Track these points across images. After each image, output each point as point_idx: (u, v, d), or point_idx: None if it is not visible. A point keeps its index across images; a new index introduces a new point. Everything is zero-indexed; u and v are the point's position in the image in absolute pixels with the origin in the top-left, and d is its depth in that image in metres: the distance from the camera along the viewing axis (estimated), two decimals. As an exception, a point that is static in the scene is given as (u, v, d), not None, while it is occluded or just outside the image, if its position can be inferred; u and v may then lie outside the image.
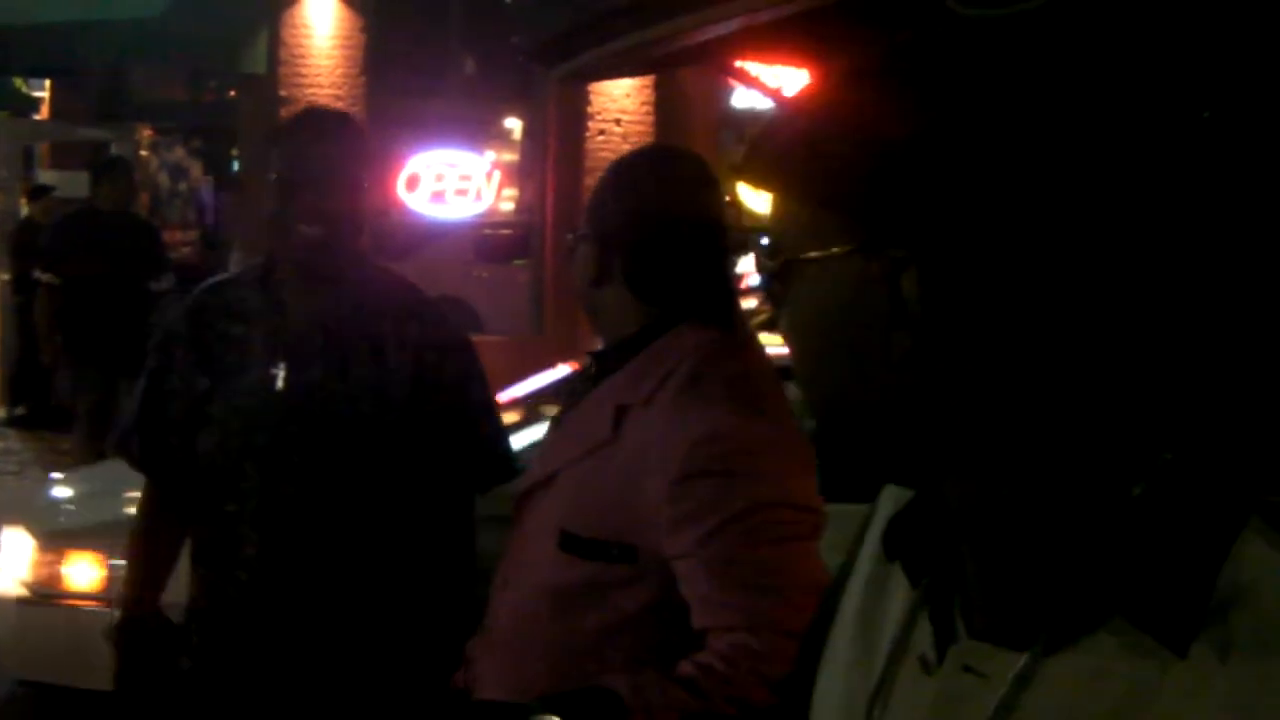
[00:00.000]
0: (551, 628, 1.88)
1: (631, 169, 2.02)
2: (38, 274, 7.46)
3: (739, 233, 8.85)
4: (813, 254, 0.80)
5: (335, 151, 2.40)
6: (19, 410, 9.79)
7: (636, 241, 1.92)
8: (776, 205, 0.85)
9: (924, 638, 0.85)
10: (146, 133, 13.05)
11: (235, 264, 7.58)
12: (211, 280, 2.63)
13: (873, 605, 0.92)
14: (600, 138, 11.51)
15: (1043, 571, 0.77)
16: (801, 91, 0.85)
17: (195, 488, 2.47)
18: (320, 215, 2.35)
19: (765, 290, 0.86)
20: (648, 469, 1.81)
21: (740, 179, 0.87)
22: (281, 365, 2.42)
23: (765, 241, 0.86)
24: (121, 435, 2.61)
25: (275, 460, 2.40)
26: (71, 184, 11.68)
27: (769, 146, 0.84)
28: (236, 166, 11.85)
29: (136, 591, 2.58)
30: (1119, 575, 0.74)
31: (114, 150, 12.03)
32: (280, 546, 2.41)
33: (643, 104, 11.73)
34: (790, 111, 0.84)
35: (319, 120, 2.59)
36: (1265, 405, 0.75)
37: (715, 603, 1.76)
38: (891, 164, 0.76)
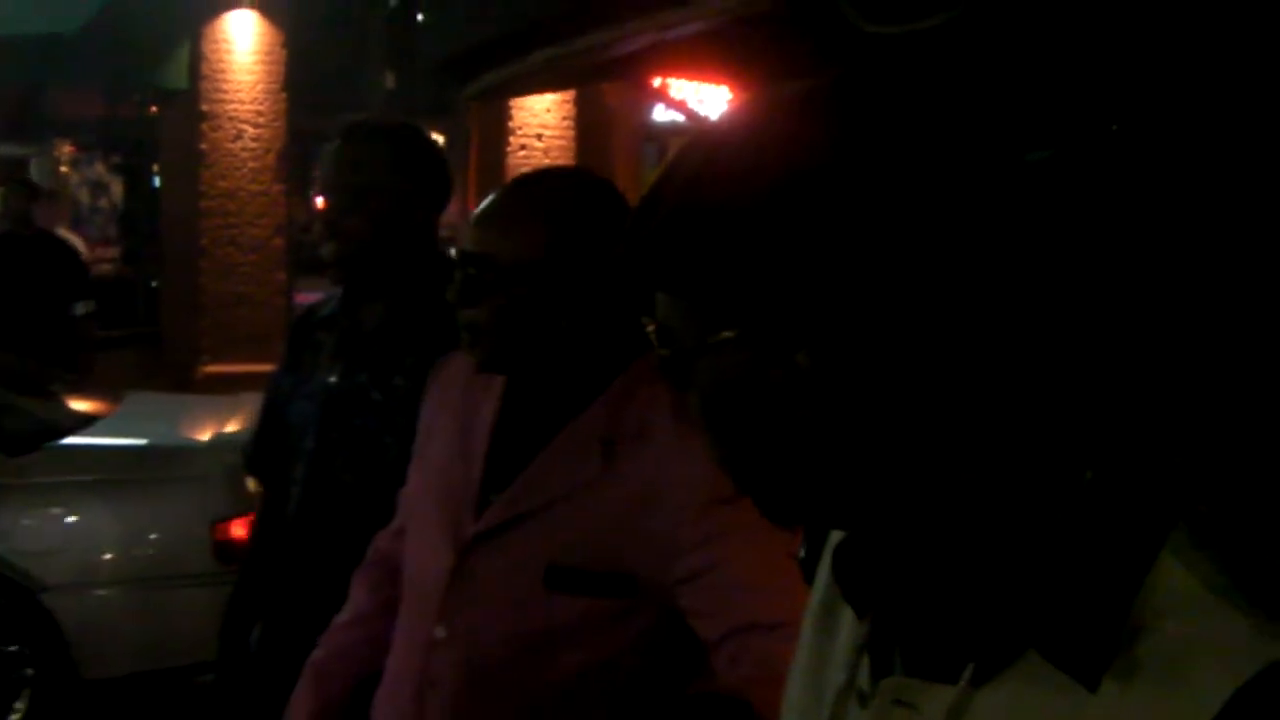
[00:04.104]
0: (529, 674, 1.76)
1: (572, 197, 1.82)
2: None
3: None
4: (703, 341, 0.81)
5: (337, 167, 2.42)
6: None
7: (609, 275, 1.75)
8: (662, 295, 0.85)
9: (865, 670, 0.86)
10: (66, 149, 12.92)
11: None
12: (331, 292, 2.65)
13: (823, 634, 0.94)
14: (521, 153, 11.58)
15: (968, 605, 0.78)
16: (665, 182, 0.84)
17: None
18: (324, 228, 2.42)
19: (667, 377, 0.87)
20: (658, 496, 1.72)
21: (629, 278, 0.86)
22: (336, 372, 2.46)
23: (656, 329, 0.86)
24: (246, 442, 2.74)
25: (319, 465, 2.44)
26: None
27: (653, 242, 0.83)
28: (158, 182, 11.76)
29: (238, 603, 2.67)
30: (1035, 608, 0.75)
31: (33, 167, 11.92)
32: (313, 553, 2.43)
33: (564, 119, 11.81)
34: (654, 207, 0.83)
35: (339, 137, 2.52)
36: (1192, 417, 0.79)
37: (732, 603, 1.66)
38: (756, 253, 0.76)
